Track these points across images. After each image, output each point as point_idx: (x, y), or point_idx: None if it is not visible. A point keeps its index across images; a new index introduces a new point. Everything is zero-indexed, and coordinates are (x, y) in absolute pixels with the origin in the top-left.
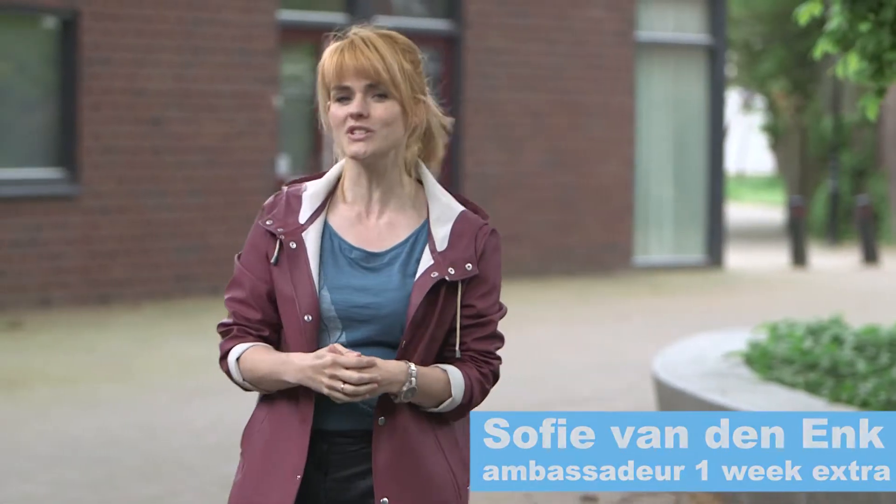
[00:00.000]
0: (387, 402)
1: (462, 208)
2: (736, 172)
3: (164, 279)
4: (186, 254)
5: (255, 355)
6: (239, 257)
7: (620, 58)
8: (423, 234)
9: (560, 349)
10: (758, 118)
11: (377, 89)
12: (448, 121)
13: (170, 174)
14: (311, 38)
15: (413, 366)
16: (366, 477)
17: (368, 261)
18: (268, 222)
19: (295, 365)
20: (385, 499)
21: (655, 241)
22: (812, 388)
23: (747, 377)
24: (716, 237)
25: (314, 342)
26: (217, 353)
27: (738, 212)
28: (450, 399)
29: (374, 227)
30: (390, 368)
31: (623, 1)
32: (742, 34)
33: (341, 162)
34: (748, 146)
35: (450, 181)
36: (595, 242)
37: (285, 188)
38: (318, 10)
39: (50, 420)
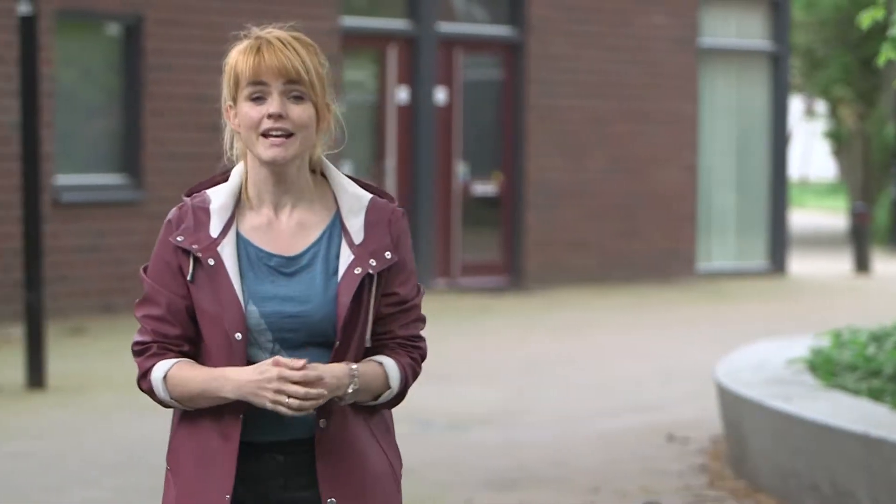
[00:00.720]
0: (327, 406)
1: (370, 196)
2: (799, 179)
3: None
4: None
5: (183, 372)
6: (146, 271)
7: (683, 64)
8: (336, 229)
9: (623, 356)
10: (821, 124)
11: (294, 90)
12: (339, 118)
13: None
14: (374, 45)
15: (354, 366)
16: (308, 488)
17: (288, 266)
18: (178, 238)
19: (234, 381)
20: (332, 499)
21: (718, 248)
22: (875, 395)
23: (810, 384)
24: (778, 243)
25: (243, 359)
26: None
27: (800, 218)
28: (388, 391)
29: (285, 230)
30: (336, 374)
31: (685, 7)
32: (805, 40)
33: (240, 165)
34: (811, 152)
35: (512, 188)
36: (657, 249)
37: (188, 200)
38: (380, 16)
39: (113, 426)
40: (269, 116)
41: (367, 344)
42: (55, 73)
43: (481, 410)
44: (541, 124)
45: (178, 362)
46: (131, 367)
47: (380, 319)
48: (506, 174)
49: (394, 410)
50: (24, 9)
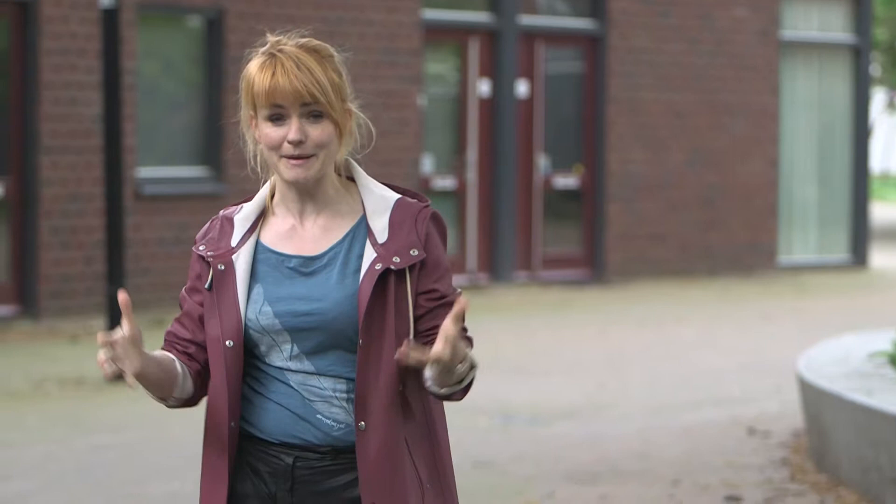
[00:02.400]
0: (364, 406)
1: (398, 196)
2: (880, 172)
3: None
4: None
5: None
6: None
7: (764, 57)
8: (360, 230)
9: (704, 349)
10: None
11: (312, 110)
12: (364, 118)
13: None
14: (455, 38)
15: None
16: (318, 497)
17: (307, 265)
18: (200, 247)
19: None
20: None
21: (799, 241)
22: None
23: (892, 377)
24: (860, 236)
25: (235, 368)
26: None
27: (882, 211)
28: (469, 375)
29: (309, 235)
30: (461, 344)
31: (767, 0)
32: (887, 36)
33: (271, 181)
34: (893, 145)
35: (594, 180)
36: (738, 242)
37: (221, 212)
38: (462, 9)
39: (195, 418)
40: (289, 142)
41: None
42: (137, 66)
43: (563, 404)
44: (622, 117)
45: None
46: None
47: (423, 316)
48: (587, 167)
49: (478, 404)
50: (106, 2)
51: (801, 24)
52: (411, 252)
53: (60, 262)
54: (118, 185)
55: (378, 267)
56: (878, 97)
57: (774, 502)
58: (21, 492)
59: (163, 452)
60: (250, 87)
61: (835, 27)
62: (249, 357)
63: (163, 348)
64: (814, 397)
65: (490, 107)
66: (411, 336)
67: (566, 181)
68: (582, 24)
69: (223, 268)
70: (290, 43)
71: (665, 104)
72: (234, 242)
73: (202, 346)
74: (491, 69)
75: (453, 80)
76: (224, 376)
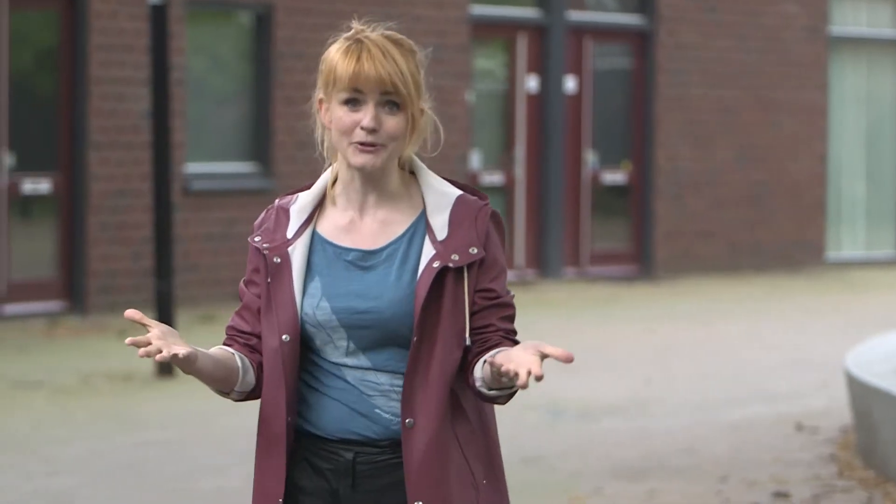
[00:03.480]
0: (411, 404)
1: (459, 192)
2: None
3: None
4: None
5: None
6: None
7: (812, 53)
8: (420, 226)
9: (752, 345)
10: None
11: (390, 99)
12: (435, 119)
13: None
14: (503, 33)
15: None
16: (379, 493)
17: (365, 259)
18: (256, 238)
19: None
20: (419, 502)
21: (848, 237)
22: None
23: None
24: None
25: (292, 362)
26: None
27: None
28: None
29: (368, 229)
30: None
31: None
32: None
33: (332, 167)
34: None
35: (642, 176)
36: (786, 238)
37: (277, 202)
38: (510, 4)
39: (242, 414)
40: (363, 128)
41: (467, 342)
42: (186, 62)
43: (611, 399)
44: (670, 113)
45: (218, 347)
46: None
47: (476, 314)
48: (635, 163)
49: (527, 399)
50: None
51: (849, 20)
52: (470, 250)
53: (108, 258)
54: (166, 180)
55: (436, 265)
56: None
57: (822, 499)
58: (68, 487)
59: (210, 448)
60: (332, 70)
61: (883, 23)
62: (305, 351)
63: (224, 343)
64: (862, 393)
65: (538, 103)
66: (467, 334)
67: (614, 177)
68: (630, 19)
69: (279, 260)
70: (374, 33)
71: (713, 101)
72: (289, 234)
73: (261, 338)
74: (539, 65)
75: (501, 75)
76: (281, 371)
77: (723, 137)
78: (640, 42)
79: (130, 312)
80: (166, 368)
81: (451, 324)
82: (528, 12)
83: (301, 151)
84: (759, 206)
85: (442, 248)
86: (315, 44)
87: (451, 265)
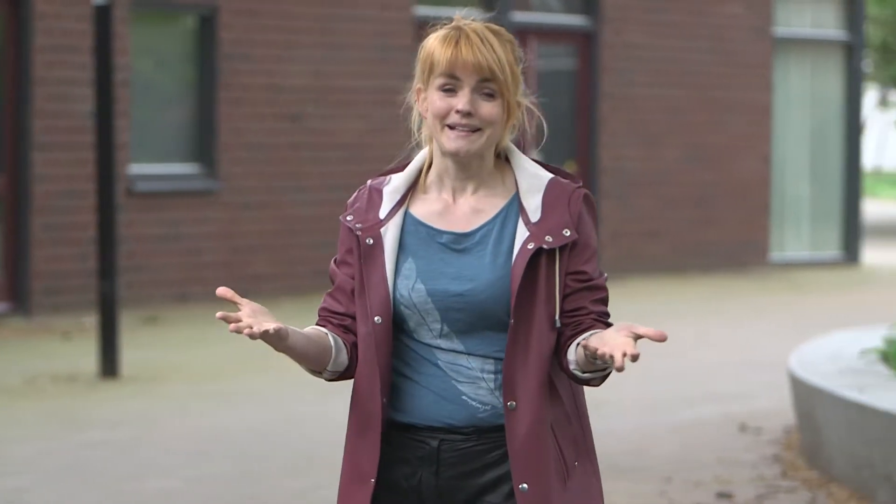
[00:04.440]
0: (512, 387)
1: (551, 175)
2: (872, 168)
3: (303, 275)
4: (325, 249)
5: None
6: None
7: (758, 54)
8: (513, 208)
9: (697, 345)
10: (895, 114)
11: (486, 87)
12: (538, 113)
13: (308, 170)
14: None
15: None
16: (462, 479)
17: (459, 242)
18: (348, 218)
19: None
20: (524, 484)
21: (792, 238)
22: None
23: (885, 374)
24: (853, 233)
25: (385, 344)
26: None
27: (875, 208)
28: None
29: (460, 212)
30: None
31: None
32: (878, 35)
33: (425, 150)
34: (885, 142)
35: (587, 176)
36: (732, 239)
37: (369, 182)
38: (454, 5)
39: (188, 415)
40: (458, 112)
41: (557, 325)
42: (130, 63)
43: None
44: (615, 113)
45: (312, 326)
46: (206, 357)
47: (568, 296)
48: (580, 163)
49: None
50: None
51: (794, 21)
52: (564, 232)
53: (53, 259)
54: (110, 181)
55: (531, 246)
56: (871, 94)
57: (766, 499)
58: (15, 488)
59: (157, 449)
60: (429, 56)
61: (827, 24)
62: (398, 333)
63: (317, 324)
64: (806, 394)
65: None
66: (557, 317)
67: None
68: (575, 20)
69: (371, 242)
70: (475, 22)
71: (659, 100)
72: (382, 215)
73: (355, 318)
74: None
75: None
76: (374, 353)
77: (668, 137)
78: (586, 42)
79: (222, 290)
80: (110, 370)
81: (545, 306)
82: (473, 13)
83: (246, 152)
84: (705, 207)
85: (536, 229)
86: (260, 45)
87: (545, 247)
